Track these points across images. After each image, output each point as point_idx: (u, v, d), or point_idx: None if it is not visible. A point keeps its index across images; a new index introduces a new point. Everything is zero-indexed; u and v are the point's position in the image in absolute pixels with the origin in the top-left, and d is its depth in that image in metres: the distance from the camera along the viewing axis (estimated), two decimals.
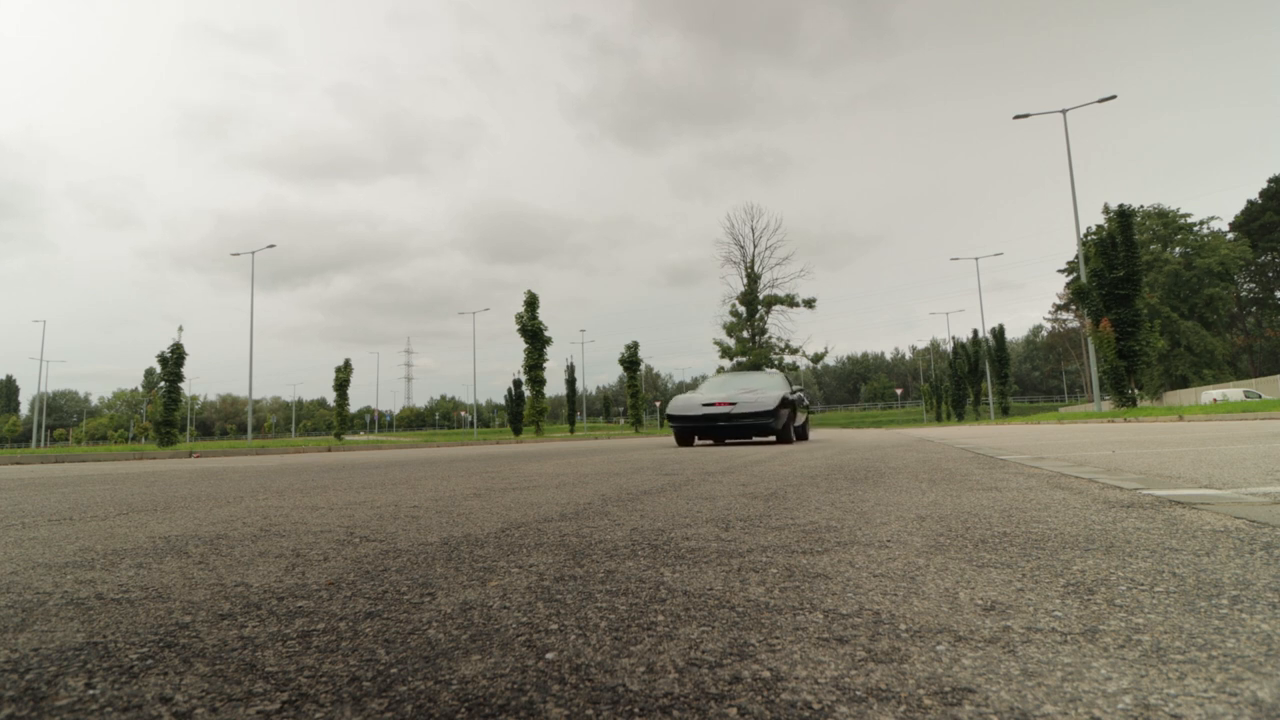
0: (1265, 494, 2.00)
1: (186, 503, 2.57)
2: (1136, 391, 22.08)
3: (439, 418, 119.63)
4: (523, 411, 31.95)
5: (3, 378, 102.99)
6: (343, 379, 35.24)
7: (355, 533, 1.71)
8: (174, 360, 20.52)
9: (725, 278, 56.77)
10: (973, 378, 48.10)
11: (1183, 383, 52.72)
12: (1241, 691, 0.65)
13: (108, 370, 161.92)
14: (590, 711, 0.64)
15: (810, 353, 39.24)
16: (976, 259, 38.46)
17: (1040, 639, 0.81)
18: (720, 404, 9.19)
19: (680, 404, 9.60)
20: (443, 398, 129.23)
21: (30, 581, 1.22)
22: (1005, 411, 43.04)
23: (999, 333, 43.98)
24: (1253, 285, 66.26)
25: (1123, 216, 22.98)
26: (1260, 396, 31.97)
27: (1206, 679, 0.68)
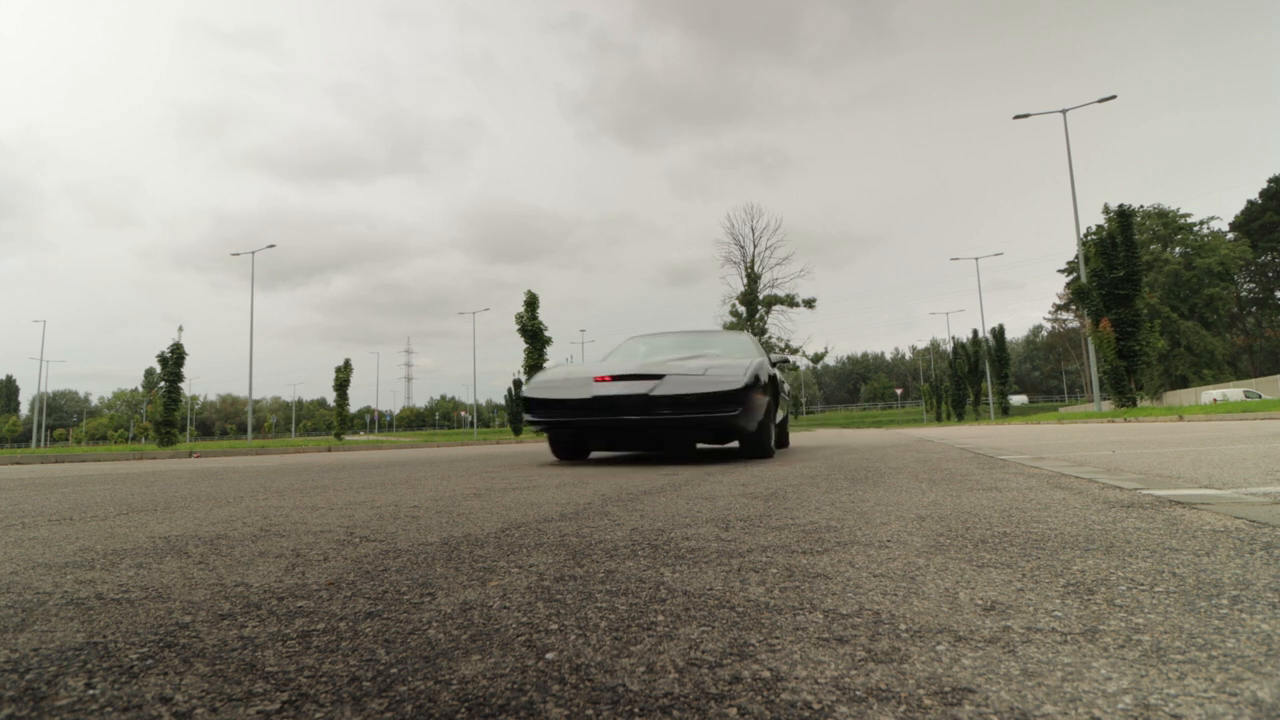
0: (1265, 494, 2.00)
1: (186, 503, 2.57)
2: (1136, 391, 22.08)
3: (439, 418, 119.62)
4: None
5: (3, 378, 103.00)
6: (343, 379, 35.25)
7: (355, 533, 1.71)
8: (174, 360, 20.52)
9: (725, 278, 56.79)
10: (973, 378, 48.09)
11: (1183, 383, 52.72)
12: (1241, 691, 0.65)
13: (108, 370, 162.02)
14: (590, 711, 0.64)
15: (810, 353, 39.26)
16: (976, 259, 38.49)
17: (1040, 639, 0.81)
18: (629, 378, 4.54)
19: (550, 382, 4.83)
20: (443, 398, 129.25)
21: (30, 581, 1.22)
22: (1005, 411, 43.04)
23: (999, 333, 43.98)
24: (1253, 285, 66.26)
25: (1123, 216, 22.98)
26: (1260, 396, 31.97)
27: (1206, 679, 0.68)
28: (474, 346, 42.89)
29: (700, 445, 7.00)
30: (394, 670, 0.75)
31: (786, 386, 7.65)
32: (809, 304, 39.43)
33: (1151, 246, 59.63)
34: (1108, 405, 26.02)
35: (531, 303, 28.77)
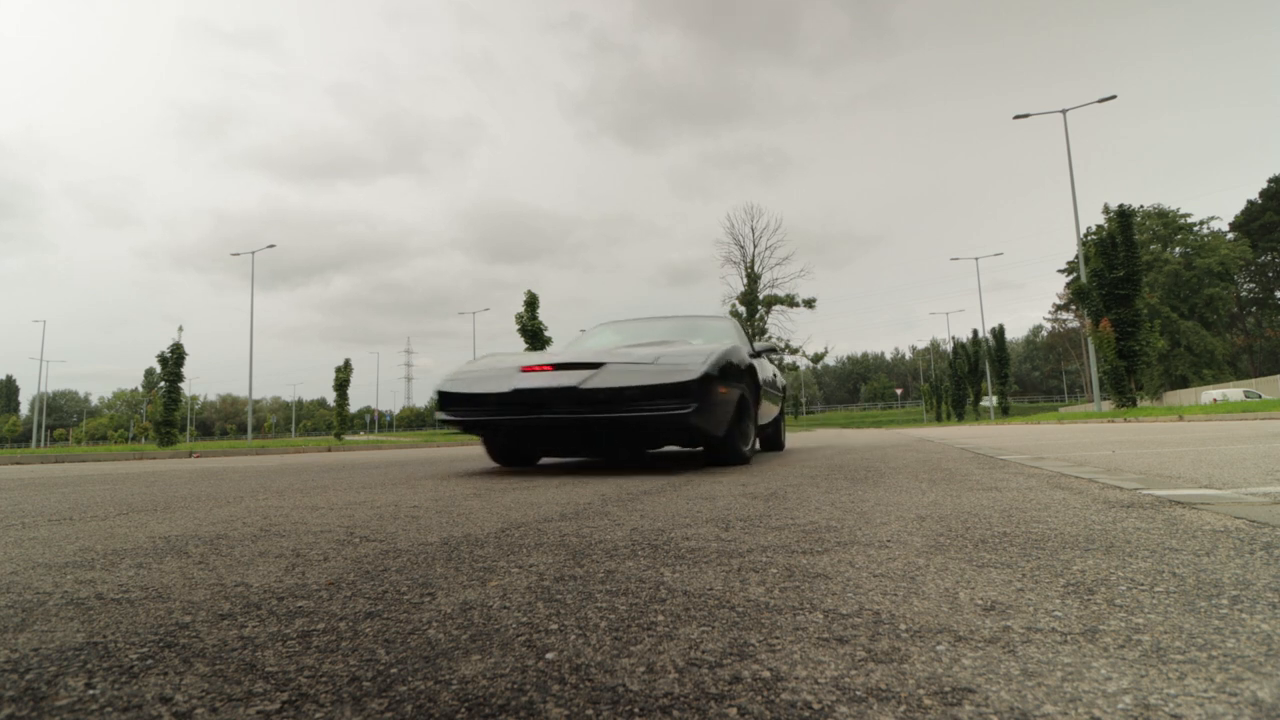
0: (1265, 494, 2.00)
1: (186, 503, 2.57)
2: (1136, 391, 22.08)
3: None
4: None
5: (3, 378, 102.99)
6: (343, 379, 35.24)
7: (355, 533, 1.71)
8: (174, 360, 20.52)
9: (725, 278, 56.76)
10: (973, 378, 48.09)
11: (1183, 383, 52.72)
12: (1241, 691, 0.65)
13: (108, 370, 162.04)
14: (590, 711, 0.64)
15: (810, 353, 39.25)
16: (976, 259, 38.50)
17: (1040, 639, 0.81)
18: (563, 368, 3.81)
19: (470, 374, 4.08)
20: None
21: (30, 581, 1.22)
22: (1005, 411, 43.03)
23: (999, 333, 43.98)
24: (1253, 285, 66.27)
25: (1123, 216, 22.98)
26: (1260, 396, 31.97)
27: (1206, 679, 0.68)
28: (474, 347, 42.90)
29: (672, 449, 6.13)
30: (394, 670, 0.75)
31: (780, 381, 6.67)
32: (809, 304, 39.42)
33: (1151, 246, 59.64)
34: (1108, 405, 26.02)
35: (531, 303, 28.76)
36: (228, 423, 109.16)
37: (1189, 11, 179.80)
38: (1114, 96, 22.24)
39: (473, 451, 8.95)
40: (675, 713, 0.64)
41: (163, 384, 20.57)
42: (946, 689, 0.67)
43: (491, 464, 5.06)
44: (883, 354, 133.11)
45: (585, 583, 1.13)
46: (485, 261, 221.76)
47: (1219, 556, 1.22)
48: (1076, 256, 23.96)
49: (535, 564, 1.29)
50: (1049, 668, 0.72)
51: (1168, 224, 61.82)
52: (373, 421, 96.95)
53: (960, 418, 48.06)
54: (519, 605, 1.00)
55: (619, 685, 0.70)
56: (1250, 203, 64.50)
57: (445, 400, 3.97)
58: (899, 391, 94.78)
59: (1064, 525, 1.60)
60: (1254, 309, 65.99)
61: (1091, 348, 22.91)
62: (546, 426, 3.68)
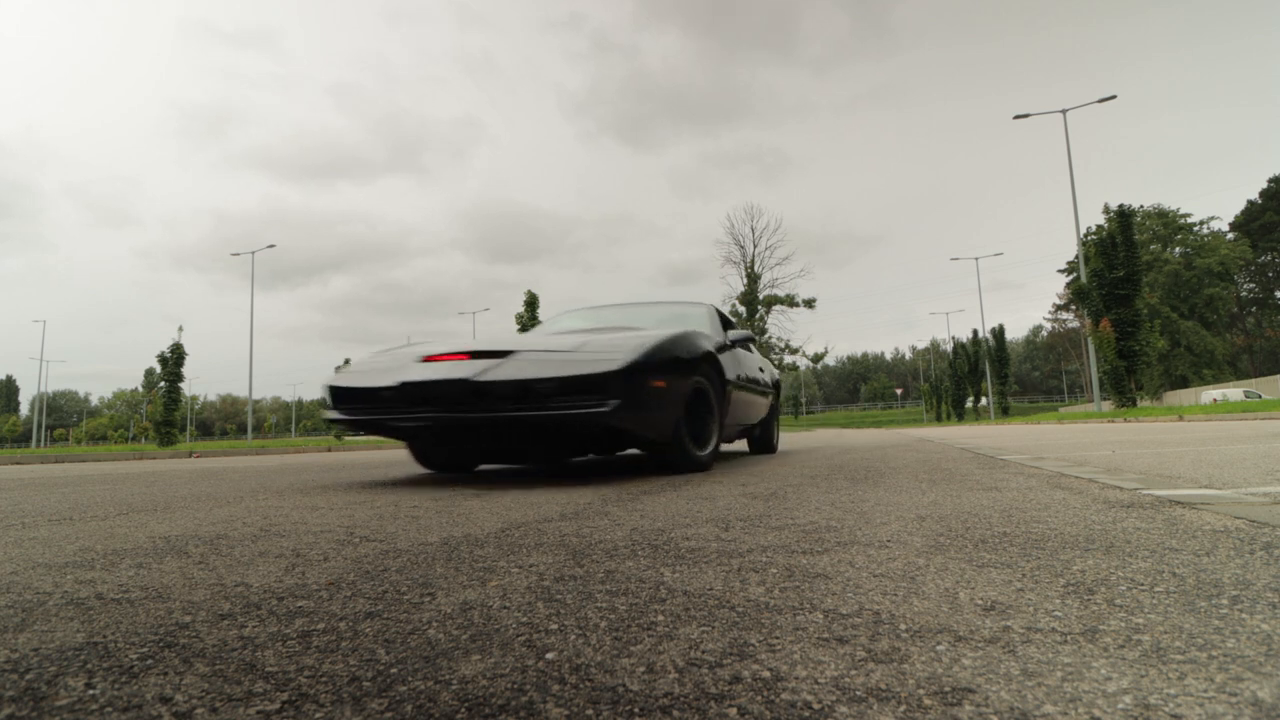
0: (1265, 494, 2.00)
1: (186, 503, 2.57)
2: (1136, 391, 22.08)
3: None
4: None
5: (3, 378, 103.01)
6: None
7: (355, 532, 1.71)
8: (174, 360, 20.53)
9: (725, 278, 56.73)
10: (973, 378, 48.10)
11: (1183, 383, 52.73)
12: (1241, 691, 0.65)
13: (108, 370, 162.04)
14: (590, 711, 0.64)
15: (810, 353, 39.26)
16: (976, 259, 38.52)
17: (1040, 639, 0.81)
18: (466, 356, 3.16)
19: (369, 366, 3.51)
20: None
21: (30, 581, 1.22)
22: (1005, 411, 43.04)
23: (999, 333, 44.00)
24: (1253, 285, 66.30)
25: (1123, 216, 22.98)
26: (1260, 396, 31.97)
27: (1206, 679, 0.68)
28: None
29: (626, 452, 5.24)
30: (394, 670, 0.75)
31: (770, 375, 6.01)
32: (809, 304, 39.43)
33: (1151, 246, 59.66)
34: (1108, 405, 26.02)
35: (531, 303, 28.77)
36: (228, 423, 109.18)
37: (1189, 11, 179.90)
38: (1114, 96, 22.25)
39: None
40: (675, 713, 0.64)
41: (163, 384, 20.58)
42: (946, 689, 0.67)
43: (487, 466, 4.76)
44: (883, 354, 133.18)
45: (585, 583, 1.13)
46: (485, 261, 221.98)
47: (1219, 556, 1.22)
48: (1076, 256, 23.96)
49: (535, 564, 1.29)
50: (1049, 668, 0.72)
51: (1168, 224, 61.85)
52: None
53: (960, 418, 48.06)
54: (519, 605, 1.00)
55: (619, 685, 0.70)
56: (1250, 203, 64.53)
57: (335, 396, 3.39)
58: (899, 391, 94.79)
59: (1064, 525, 1.60)
60: (1254, 309, 66.01)
61: (1091, 348, 22.91)
62: (443, 427, 3.04)
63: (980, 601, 0.97)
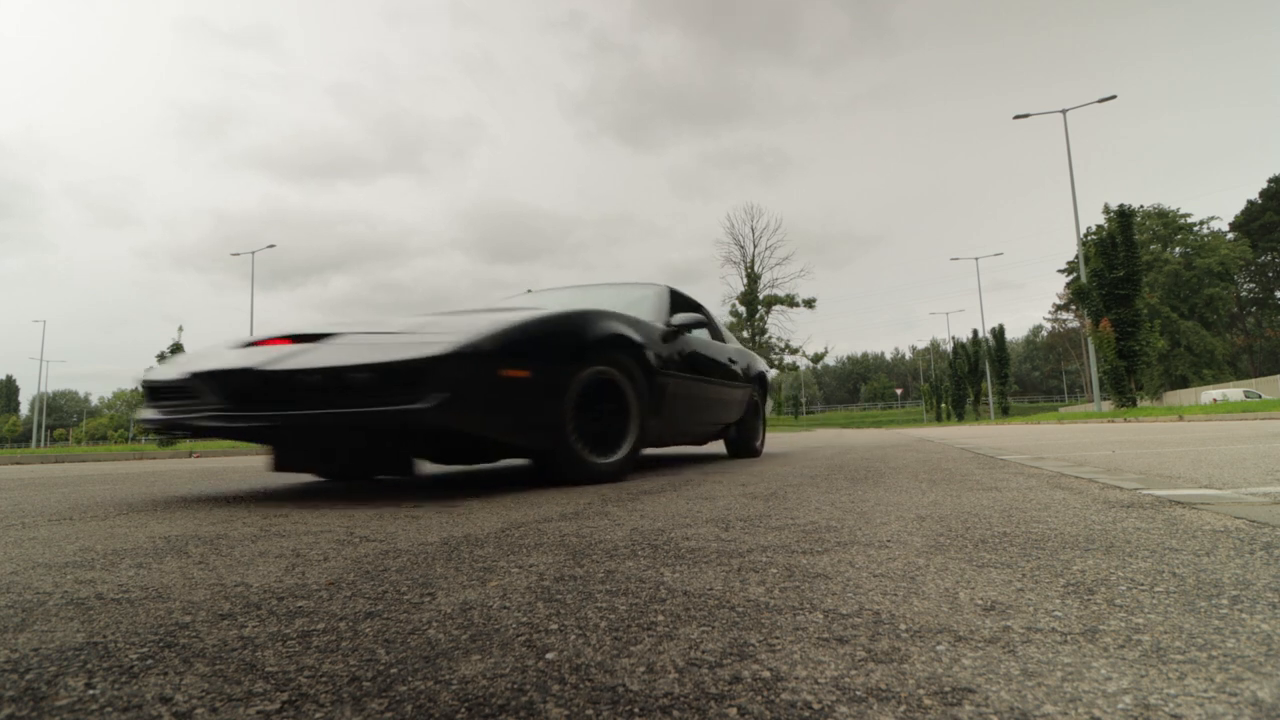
0: (1265, 494, 2.00)
1: (186, 503, 2.57)
2: (1136, 391, 22.08)
3: None
4: None
5: (3, 378, 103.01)
6: None
7: (355, 532, 1.71)
8: None
9: (725, 278, 56.77)
10: (973, 378, 48.11)
11: (1183, 383, 52.72)
12: (1241, 691, 0.65)
13: (108, 370, 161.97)
14: (590, 711, 0.64)
15: (810, 353, 39.28)
16: (976, 259, 38.55)
17: (1040, 639, 0.81)
18: (278, 341, 2.60)
19: (191, 355, 2.94)
20: None
21: (30, 581, 1.22)
22: (1005, 411, 43.05)
23: (999, 333, 44.01)
24: (1253, 285, 66.30)
25: (1123, 216, 22.99)
26: (1260, 396, 31.97)
27: (1206, 679, 0.68)
28: None
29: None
30: (394, 670, 0.75)
31: (749, 365, 5.37)
32: (809, 304, 39.46)
33: (1151, 246, 59.69)
34: (1108, 405, 26.02)
35: None
36: None
37: (1189, 11, 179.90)
38: (1114, 96, 22.25)
39: None
40: (675, 713, 0.64)
41: None
42: (946, 689, 0.67)
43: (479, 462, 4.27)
44: (883, 354, 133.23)
45: (585, 583, 1.13)
46: (485, 261, 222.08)
47: (1219, 556, 1.22)
48: (1076, 256, 23.96)
49: (535, 564, 1.29)
50: (1049, 668, 0.72)
51: (1168, 224, 61.86)
52: None
53: (960, 418, 48.06)
54: (519, 605, 1.00)
55: (619, 685, 0.70)
56: (1250, 203, 64.55)
57: (148, 393, 2.87)
58: (899, 391, 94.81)
59: (1064, 525, 1.60)
60: (1254, 309, 66.02)
61: (1091, 348, 22.92)
62: (242, 430, 2.49)
63: (980, 601, 0.97)
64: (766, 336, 39.19)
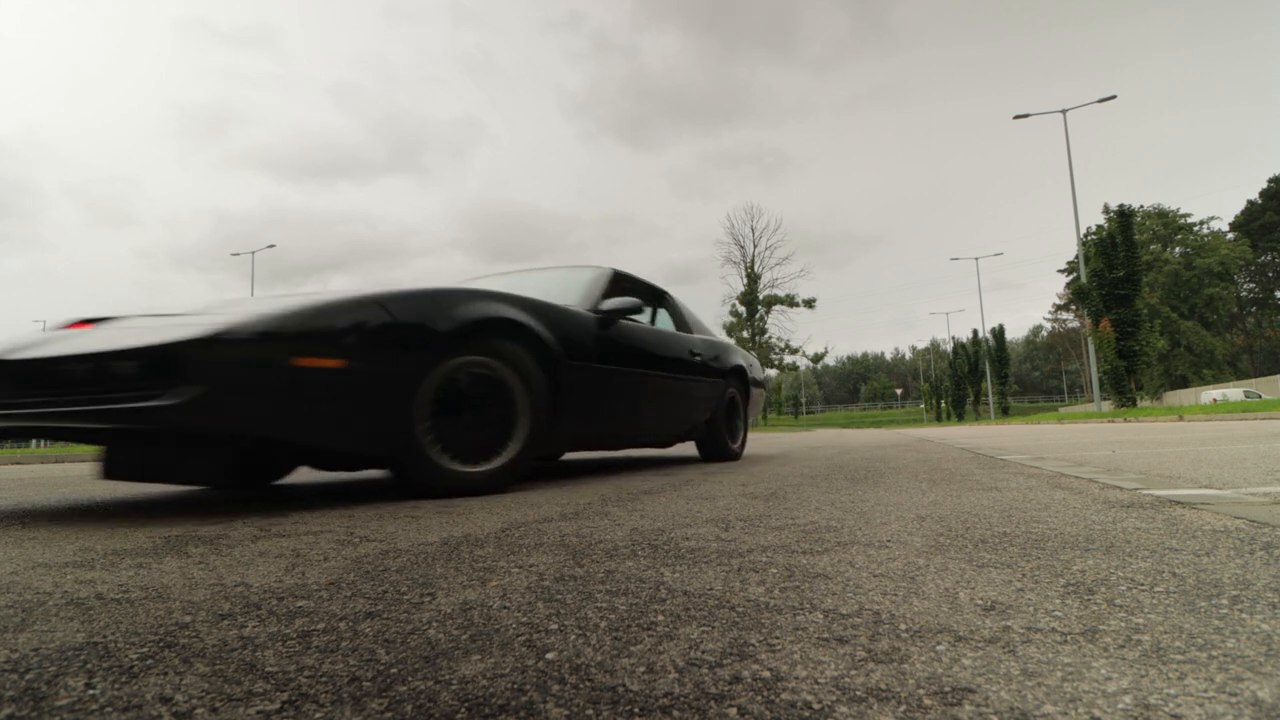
0: (1265, 494, 2.00)
1: (187, 502, 2.57)
2: (1136, 391, 22.08)
3: None
4: None
5: None
6: None
7: (355, 532, 1.71)
8: None
9: (725, 278, 56.73)
10: (973, 378, 48.13)
11: (1183, 383, 52.73)
12: (1241, 691, 0.65)
13: None
14: (590, 711, 0.64)
15: (810, 353, 39.29)
16: (976, 259, 38.58)
17: (1040, 639, 0.81)
18: (83, 325, 2.28)
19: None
20: None
21: (30, 581, 1.22)
22: (1005, 411, 43.06)
23: (999, 333, 44.04)
24: (1253, 285, 66.32)
25: (1123, 216, 23.00)
26: (1260, 396, 31.97)
27: (1206, 679, 0.68)
28: None
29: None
30: (394, 670, 0.75)
31: (716, 358, 4.68)
32: (809, 304, 39.45)
33: (1151, 246, 59.70)
34: (1108, 405, 26.02)
35: None
36: None
37: (1189, 11, 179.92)
38: (1114, 96, 22.25)
39: None
40: (675, 713, 0.64)
41: None
42: (946, 689, 0.67)
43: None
44: (883, 354, 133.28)
45: (585, 583, 1.13)
46: (485, 261, 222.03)
47: (1219, 556, 1.22)
48: (1076, 256, 23.96)
49: (535, 564, 1.29)
50: (1049, 668, 0.72)
51: (1168, 224, 61.88)
52: None
53: (960, 418, 48.07)
54: (519, 605, 1.00)
55: (619, 685, 0.70)
56: (1250, 203, 64.56)
57: None
58: (899, 391, 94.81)
59: (1064, 525, 1.60)
60: (1254, 309, 66.03)
61: (1091, 348, 22.92)
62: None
63: (980, 601, 0.97)
64: (766, 336, 39.19)
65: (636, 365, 3.62)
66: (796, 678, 0.71)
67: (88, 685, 0.72)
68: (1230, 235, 61.77)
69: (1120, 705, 0.63)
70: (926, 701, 0.65)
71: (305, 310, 2.13)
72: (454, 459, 2.49)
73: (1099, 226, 39.79)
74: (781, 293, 39.77)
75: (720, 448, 4.78)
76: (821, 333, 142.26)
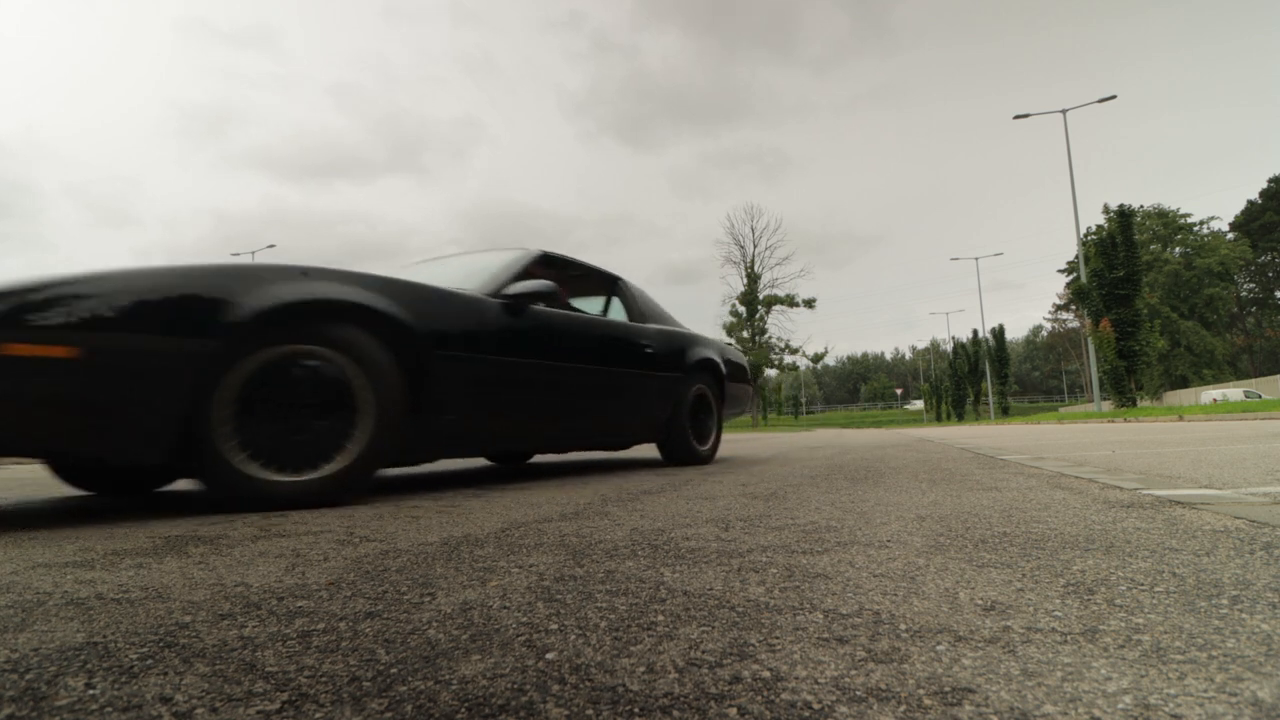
0: (1265, 494, 2.00)
1: (187, 502, 2.57)
2: (1136, 391, 22.09)
3: None
4: None
5: None
6: None
7: (355, 532, 1.71)
8: None
9: (725, 278, 56.79)
10: (973, 378, 48.15)
11: (1183, 383, 52.73)
12: (1241, 691, 0.65)
13: None
14: (590, 711, 0.64)
15: (810, 353, 39.29)
16: (976, 259, 38.60)
17: (1040, 639, 0.81)
18: None
19: None
20: None
21: (30, 581, 1.22)
22: (1005, 411, 43.08)
23: (999, 333, 44.05)
24: (1253, 285, 66.33)
25: (1123, 216, 23.00)
26: (1260, 396, 31.97)
27: (1206, 679, 0.68)
28: None
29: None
30: (394, 670, 0.75)
31: (675, 349, 4.21)
32: (809, 304, 39.44)
33: (1151, 246, 59.72)
34: (1108, 405, 26.02)
35: None
36: None
37: (1189, 11, 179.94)
38: (1114, 96, 22.25)
39: None
40: (675, 713, 0.64)
41: None
42: (946, 689, 0.67)
43: (467, 461, 4.68)
44: (883, 354, 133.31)
45: (585, 583, 1.13)
46: None
47: (1219, 556, 1.22)
48: (1076, 256, 23.97)
49: (535, 564, 1.29)
50: (1049, 668, 0.72)
51: (1168, 224, 61.90)
52: None
53: (960, 418, 48.08)
54: (519, 605, 1.00)
55: (619, 685, 0.70)
56: (1250, 203, 64.56)
57: None
58: (899, 391, 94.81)
59: (1064, 525, 1.60)
60: (1254, 309, 66.04)
61: (1091, 348, 22.93)
62: None
63: (980, 601, 0.97)
64: (766, 336, 39.21)
65: (559, 357, 3.24)
66: (796, 678, 0.71)
67: (88, 685, 0.72)
68: (1230, 235, 61.78)
69: (1120, 705, 0.63)
70: (926, 701, 0.65)
71: (22, 287, 1.76)
72: (266, 466, 2.15)
73: (1099, 226, 39.81)
74: (781, 293, 39.77)
75: (684, 450, 4.31)
76: (821, 333, 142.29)
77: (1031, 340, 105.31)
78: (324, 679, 0.73)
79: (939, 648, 0.79)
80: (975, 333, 48.67)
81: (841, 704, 0.64)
